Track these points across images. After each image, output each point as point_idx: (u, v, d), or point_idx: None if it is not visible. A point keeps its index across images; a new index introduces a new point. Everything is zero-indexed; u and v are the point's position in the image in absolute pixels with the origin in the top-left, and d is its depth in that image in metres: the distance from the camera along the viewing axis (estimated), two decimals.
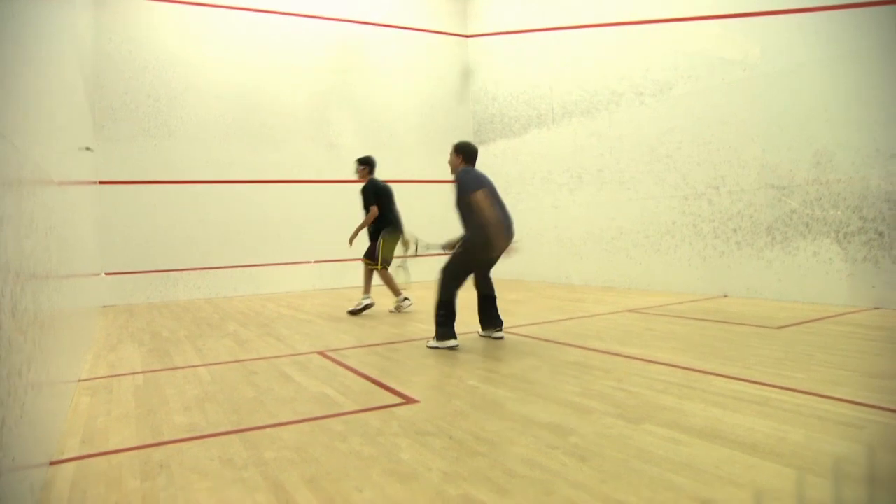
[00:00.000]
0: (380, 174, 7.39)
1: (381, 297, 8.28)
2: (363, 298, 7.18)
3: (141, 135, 9.26)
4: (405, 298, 7.13)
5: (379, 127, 11.07)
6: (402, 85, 11.37)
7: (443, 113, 11.72)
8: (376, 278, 7.25)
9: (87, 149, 6.50)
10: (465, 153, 5.21)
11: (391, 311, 7.14)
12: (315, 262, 10.38)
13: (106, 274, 8.81)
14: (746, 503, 2.03)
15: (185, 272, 9.45)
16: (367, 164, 7.35)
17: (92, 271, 7.07)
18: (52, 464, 2.62)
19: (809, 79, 6.49)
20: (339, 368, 4.31)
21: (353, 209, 10.41)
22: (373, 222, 7.14)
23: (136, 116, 9.25)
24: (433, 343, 4.96)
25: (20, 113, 2.32)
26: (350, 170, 10.62)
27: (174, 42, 9.57)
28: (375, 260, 7.14)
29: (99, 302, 8.36)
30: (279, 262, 10.13)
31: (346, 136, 10.76)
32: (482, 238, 4.90)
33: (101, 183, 8.78)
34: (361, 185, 7.28)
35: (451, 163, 5.27)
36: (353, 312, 7.07)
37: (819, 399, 3.14)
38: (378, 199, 7.13)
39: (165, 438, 2.92)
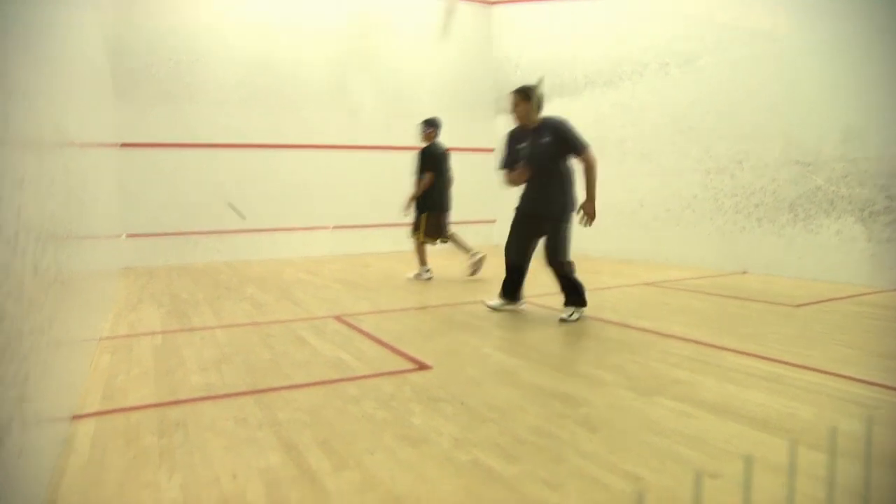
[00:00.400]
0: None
1: (402, 265, 8.34)
2: (471, 257, 7.09)
3: (162, 98, 9.28)
4: (427, 270, 7.09)
5: (399, 94, 10.98)
6: (424, 52, 11.24)
7: (464, 81, 11.59)
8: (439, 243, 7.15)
9: (237, 211, 6.70)
10: (538, 100, 4.52)
11: (409, 279, 7.14)
12: (333, 227, 10.42)
13: (127, 236, 8.92)
14: (754, 477, 2.04)
15: (204, 235, 9.54)
16: (434, 125, 7.07)
17: (113, 233, 7.17)
18: (74, 418, 2.69)
19: (841, 52, 6.30)
20: (355, 333, 4.36)
21: (371, 175, 10.47)
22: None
23: (157, 80, 9.25)
24: (577, 315, 4.66)
25: (41, 74, 2.33)
26: (371, 136, 10.68)
27: (196, 5, 9.51)
28: (418, 230, 7.01)
29: (120, 263, 8.48)
30: (298, 226, 10.18)
31: (367, 103, 10.70)
32: (574, 202, 4.56)
33: (122, 146, 8.84)
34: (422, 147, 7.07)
35: (518, 112, 4.61)
36: (473, 271, 7.07)
37: (833, 378, 3.12)
38: (437, 165, 6.91)
39: (182, 397, 2.98)
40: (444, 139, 7.17)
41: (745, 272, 7.28)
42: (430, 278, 7.05)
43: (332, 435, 2.47)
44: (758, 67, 7.12)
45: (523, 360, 3.62)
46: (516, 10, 11.32)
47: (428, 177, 6.86)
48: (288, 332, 4.45)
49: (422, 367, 3.48)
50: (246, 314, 5.17)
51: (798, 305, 5.17)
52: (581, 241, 9.73)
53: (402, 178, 10.34)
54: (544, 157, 4.53)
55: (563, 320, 4.62)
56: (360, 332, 4.41)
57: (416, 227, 7.04)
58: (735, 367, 3.34)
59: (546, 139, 4.53)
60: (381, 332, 4.37)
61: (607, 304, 5.38)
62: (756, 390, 2.94)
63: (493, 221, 11.14)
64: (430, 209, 6.97)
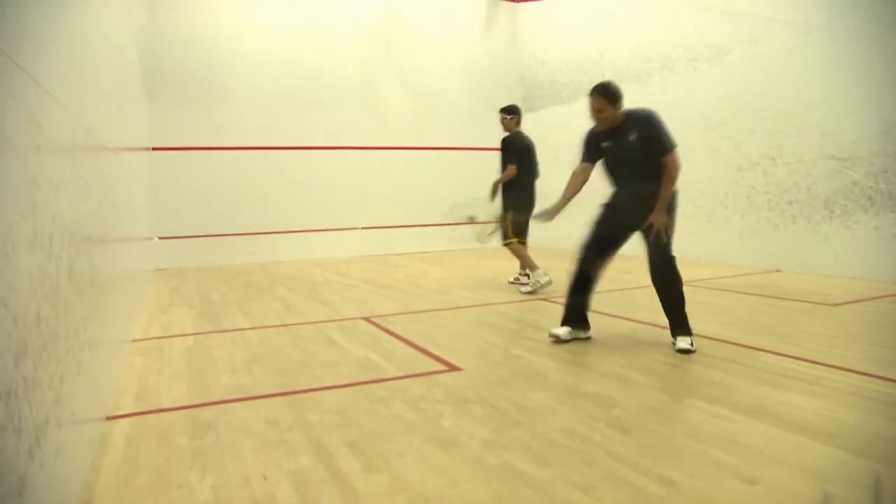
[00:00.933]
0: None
1: (431, 265, 8.33)
2: (520, 275, 6.48)
3: (192, 102, 9.40)
4: (545, 274, 6.12)
5: (425, 93, 10.97)
6: (449, 51, 11.22)
7: (491, 79, 11.54)
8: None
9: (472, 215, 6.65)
10: (622, 98, 4.03)
11: (524, 292, 6.15)
12: (362, 228, 10.47)
13: (159, 238, 9.06)
14: (793, 483, 1.98)
15: (234, 237, 9.65)
16: (515, 113, 6.51)
17: (145, 235, 7.28)
18: (108, 419, 2.73)
19: (879, 42, 6.12)
20: (384, 334, 4.36)
21: (400, 176, 10.48)
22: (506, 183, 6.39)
23: (187, 83, 9.39)
24: (692, 343, 3.72)
25: (75, 81, 2.36)
26: (398, 136, 10.70)
27: (225, 9, 9.62)
28: (507, 235, 6.35)
29: (152, 265, 8.62)
30: (327, 227, 10.24)
31: (394, 103, 10.72)
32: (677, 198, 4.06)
33: (153, 149, 8.98)
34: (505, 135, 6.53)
35: (602, 117, 4.04)
36: (530, 291, 6.09)
37: (873, 380, 3.03)
38: (520, 156, 6.34)
39: (214, 399, 3.01)
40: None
41: (778, 270, 7.13)
42: (548, 282, 6.08)
43: (362, 437, 2.47)
44: (791, 60, 6.96)
45: (554, 360, 3.59)
46: (543, 6, 11.24)
47: (510, 168, 6.30)
48: (317, 333, 4.47)
49: (451, 368, 3.46)
50: (276, 315, 5.21)
51: (835, 304, 5.04)
52: None
53: (431, 178, 10.38)
54: (634, 156, 3.99)
55: (683, 351, 3.67)
56: (390, 333, 4.41)
57: (505, 233, 6.36)
58: (771, 369, 3.27)
59: (633, 136, 4.03)
60: (410, 333, 4.36)
61: (639, 303, 5.30)
62: (794, 392, 2.87)
63: None
64: (514, 208, 6.29)
